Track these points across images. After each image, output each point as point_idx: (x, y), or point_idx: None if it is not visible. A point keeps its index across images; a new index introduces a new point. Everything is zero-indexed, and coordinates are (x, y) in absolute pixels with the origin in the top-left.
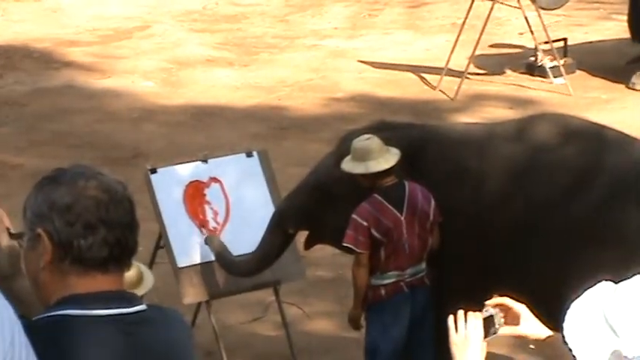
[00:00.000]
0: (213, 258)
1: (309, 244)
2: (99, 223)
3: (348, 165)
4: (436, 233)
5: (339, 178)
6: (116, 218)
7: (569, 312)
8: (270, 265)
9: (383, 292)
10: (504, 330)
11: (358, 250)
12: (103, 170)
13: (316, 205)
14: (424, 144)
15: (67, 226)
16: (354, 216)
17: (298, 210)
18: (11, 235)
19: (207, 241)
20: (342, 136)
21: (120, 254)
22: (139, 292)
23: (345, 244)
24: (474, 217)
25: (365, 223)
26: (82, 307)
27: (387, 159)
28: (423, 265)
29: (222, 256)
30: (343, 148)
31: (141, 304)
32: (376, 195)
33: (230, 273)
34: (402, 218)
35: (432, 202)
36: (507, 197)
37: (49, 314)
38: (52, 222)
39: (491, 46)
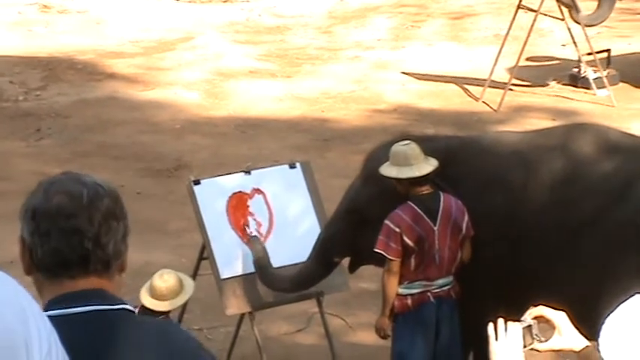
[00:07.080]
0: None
1: (352, 267)
2: (54, 230)
3: (386, 169)
4: (467, 247)
5: (368, 200)
6: (75, 225)
7: (604, 327)
8: (304, 290)
9: (409, 301)
10: (540, 346)
11: (389, 257)
12: (102, 176)
13: (353, 230)
14: (459, 152)
15: (30, 234)
16: (386, 222)
17: (338, 238)
18: None
19: (250, 244)
20: (366, 156)
21: (82, 260)
22: (182, 299)
23: (376, 251)
24: (510, 226)
25: (397, 229)
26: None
27: (423, 167)
28: (451, 278)
29: (261, 263)
30: (369, 167)
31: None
32: (410, 203)
33: (263, 282)
34: (435, 228)
35: (466, 216)
36: (545, 206)
37: None
38: (23, 229)
39: (534, 57)
